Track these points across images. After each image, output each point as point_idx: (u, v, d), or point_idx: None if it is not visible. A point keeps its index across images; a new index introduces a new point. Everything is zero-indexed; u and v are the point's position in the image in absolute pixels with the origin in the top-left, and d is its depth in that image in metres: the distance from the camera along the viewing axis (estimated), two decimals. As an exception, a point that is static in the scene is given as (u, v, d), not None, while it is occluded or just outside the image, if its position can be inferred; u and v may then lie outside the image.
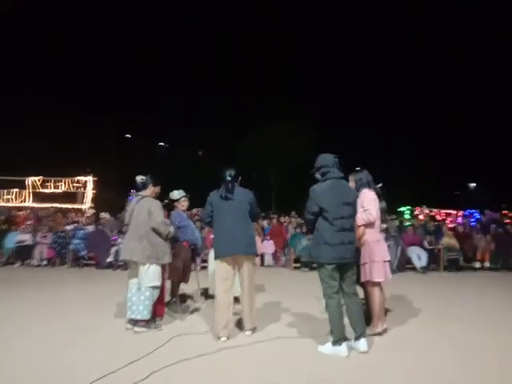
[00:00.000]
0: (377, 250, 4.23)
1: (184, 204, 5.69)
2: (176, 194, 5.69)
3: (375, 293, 4.30)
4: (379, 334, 4.25)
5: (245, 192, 4.34)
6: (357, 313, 3.84)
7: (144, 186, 4.67)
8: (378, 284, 4.31)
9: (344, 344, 3.68)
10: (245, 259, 4.17)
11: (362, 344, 3.77)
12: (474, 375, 3.30)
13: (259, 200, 4.65)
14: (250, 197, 4.32)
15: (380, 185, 4.70)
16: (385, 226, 4.40)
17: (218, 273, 4.20)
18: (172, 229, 4.60)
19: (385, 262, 4.26)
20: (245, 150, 27.45)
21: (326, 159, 3.96)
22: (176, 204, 5.68)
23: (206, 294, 6.12)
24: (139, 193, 4.69)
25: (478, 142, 28.10)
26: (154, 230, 4.39)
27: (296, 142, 26.85)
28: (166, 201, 5.62)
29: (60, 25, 30.17)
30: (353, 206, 3.86)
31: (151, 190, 4.68)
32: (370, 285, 4.32)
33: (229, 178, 4.25)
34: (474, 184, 37.40)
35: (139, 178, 4.72)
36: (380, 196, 4.48)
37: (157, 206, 4.51)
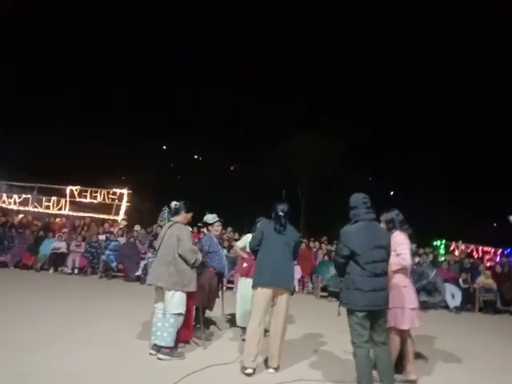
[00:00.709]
0: (406, 296, 4.06)
1: (217, 229, 5.74)
2: (210, 217, 5.73)
3: (396, 340, 4.09)
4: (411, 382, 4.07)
5: (293, 230, 4.44)
6: (386, 363, 3.69)
7: (177, 211, 4.75)
8: (404, 331, 4.11)
9: None
10: (284, 294, 4.17)
11: None
12: None
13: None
14: (296, 236, 4.48)
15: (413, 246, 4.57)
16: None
17: (255, 302, 4.17)
18: (200, 256, 4.61)
19: (411, 309, 4.08)
20: (272, 163, 27.53)
21: (356, 200, 3.87)
22: (209, 228, 5.72)
23: (231, 321, 6.07)
24: (172, 218, 4.78)
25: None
26: (181, 257, 4.42)
27: (323, 154, 26.72)
28: (200, 224, 5.68)
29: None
30: (385, 249, 3.72)
31: (183, 216, 4.74)
32: (394, 332, 4.13)
33: (281, 214, 4.32)
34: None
35: (173, 204, 4.82)
36: (411, 238, 4.32)
37: (186, 233, 4.57)
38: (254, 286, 4.20)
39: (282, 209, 4.33)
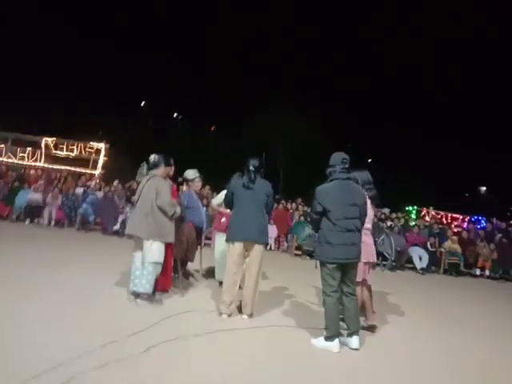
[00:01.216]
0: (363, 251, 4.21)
1: (197, 185, 5.80)
2: (191, 173, 5.77)
3: (358, 290, 4.30)
4: (371, 327, 4.41)
5: (264, 184, 4.54)
6: (353, 312, 3.94)
7: (156, 165, 4.75)
8: (360, 282, 4.32)
9: (336, 340, 3.78)
10: (255, 247, 4.35)
11: (354, 341, 3.87)
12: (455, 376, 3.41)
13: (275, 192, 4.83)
14: (268, 189, 4.54)
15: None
16: (369, 225, 4.42)
17: (229, 255, 4.44)
18: (178, 209, 4.68)
19: (366, 263, 4.29)
20: (254, 129, 27.45)
21: (334, 158, 4.00)
22: (190, 183, 5.77)
23: (209, 275, 6.27)
24: (151, 171, 4.78)
25: (492, 144, 27.66)
26: (160, 209, 4.49)
27: (305, 127, 26.83)
28: (180, 179, 5.72)
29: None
30: (360, 207, 3.87)
31: (163, 169, 4.76)
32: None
33: (252, 168, 4.44)
34: (485, 188, 37.05)
35: (152, 157, 4.81)
36: (373, 200, 4.47)
37: (165, 185, 4.61)
38: (227, 241, 4.47)
39: (253, 164, 4.46)
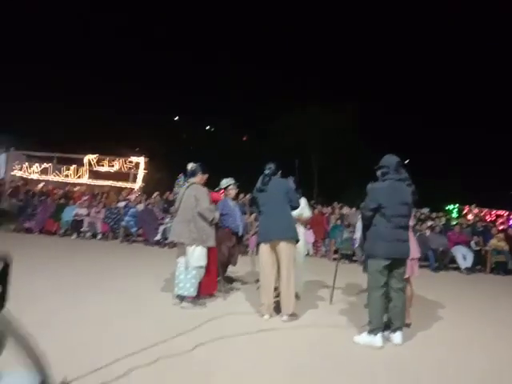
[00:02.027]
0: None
1: (231, 192, 5.97)
2: (224, 182, 6.01)
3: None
4: (406, 325, 4.33)
5: (280, 182, 4.69)
6: (400, 308, 3.99)
7: (193, 173, 4.98)
8: (406, 280, 4.33)
9: (379, 335, 3.81)
10: (282, 244, 4.40)
11: (398, 337, 3.92)
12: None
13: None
14: (284, 186, 4.65)
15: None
16: (411, 223, 4.43)
17: (260, 258, 4.57)
18: (217, 214, 4.88)
19: (411, 259, 4.29)
20: (286, 131, 27.45)
21: (389, 161, 4.12)
22: (224, 191, 5.97)
23: (249, 278, 6.43)
24: (189, 179, 5.01)
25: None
26: (200, 215, 4.69)
27: (339, 123, 26.56)
28: (217, 189, 5.95)
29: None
30: (409, 206, 3.99)
31: (200, 177, 4.97)
32: None
33: (266, 172, 4.62)
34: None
35: (190, 166, 5.04)
36: (413, 195, 4.48)
37: (203, 192, 4.82)
38: (257, 244, 4.64)
39: (268, 167, 4.63)
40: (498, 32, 27.90)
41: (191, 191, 4.81)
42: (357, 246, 5.63)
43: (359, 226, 5.19)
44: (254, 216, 10.57)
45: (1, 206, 12.00)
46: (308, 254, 11.09)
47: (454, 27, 29.21)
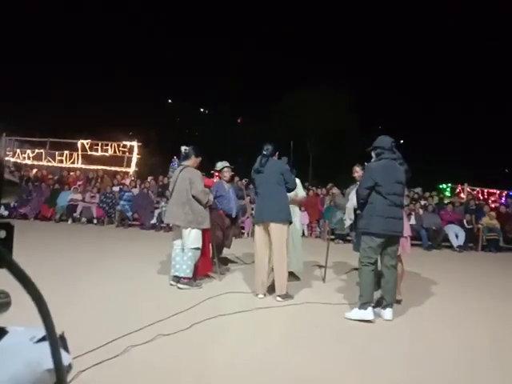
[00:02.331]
0: None
1: (226, 175, 6.00)
2: (219, 164, 6.04)
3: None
4: (397, 301, 4.44)
5: (276, 163, 4.69)
6: (391, 284, 4.11)
7: (187, 156, 5.00)
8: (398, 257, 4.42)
9: (370, 308, 3.94)
10: (274, 226, 4.45)
11: (388, 313, 4.04)
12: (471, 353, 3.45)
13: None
14: (281, 167, 4.64)
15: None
16: (404, 202, 4.52)
17: (255, 237, 4.64)
18: (211, 197, 4.92)
19: (403, 237, 4.39)
20: (281, 113, 27.36)
21: (384, 141, 4.21)
22: (219, 174, 6.00)
23: (245, 259, 6.56)
24: (183, 162, 5.03)
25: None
26: (195, 198, 4.73)
27: (333, 106, 26.48)
28: (212, 171, 5.97)
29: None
30: (403, 185, 4.10)
31: (193, 160, 4.99)
32: None
33: (264, 153, 4.63)
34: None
35: (183, 149, 5.06)
36: (407, 173, 4.57)
37: (197, 175, 4.84)
38: (253, 225, 4.68)
39: (266, 148, 4.64)
40: (488, 21, 27.66)
41: (185, 174, 4.83)
42: (346, 226, 5.71)
43: (350, 207, 5.27)
44: (248, 199, 10.65)
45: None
46: (303, 235, 11.27)
47: (444, 12, 28.91)
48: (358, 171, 5.29)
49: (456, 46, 29.39)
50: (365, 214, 4.10)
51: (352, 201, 5.17)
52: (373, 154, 4.28)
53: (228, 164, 6.14)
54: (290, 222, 4.64)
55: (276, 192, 4.54)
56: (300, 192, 5.58)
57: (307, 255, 7.34)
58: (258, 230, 4.58)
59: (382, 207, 3.94)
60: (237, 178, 11.95)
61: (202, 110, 40.50)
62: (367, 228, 4.01)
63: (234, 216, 6.06)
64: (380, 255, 4.10)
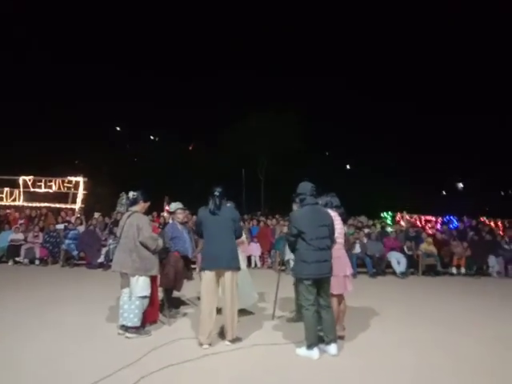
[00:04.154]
0: (336, 266, 4.51)
1: (179, 216, 6.06)
2: (173, 206, 6.13)
3: (334, 303, 4.65)
4: (339, 337, 4.65)
5: (230, 209, 4.75)
6: (330, 322, 4.36)
7: (135, 201, 5.02)
8: (339, 295, 4.72)
9: (316, 348, 4.20)
10: (228, 273, 4.47)
11: (333, 348, 4.30)
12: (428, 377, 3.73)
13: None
14: (234, 214, 4.71)
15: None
16: (342, 240, 4.84)
17: (203, 285, 4.51)
18: (160, 242, 4.94)
19: (344, 276, 4.67)
20: (231, 140, 27.73)
21: (305, 188, 4.49)
22: (172, 216, 6.06)
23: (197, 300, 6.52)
24: (130, 208, 5.04)
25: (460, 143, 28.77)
26: (143, 244, 4.74)
27: (283, 130, 27.26)
28: (162, 214, 6.01)
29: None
30: (328, 227, 4.36)
31: (141, 205, 5.03)
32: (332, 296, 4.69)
33: (217, 194, 4.61)
34: (461, 184, 38.11)
35: (131, 194, 5.09)
36: (341, 215, 4.90)
37: (145, 221, 4.86)
38: (202, 270, 4.57)
39: (217, 190, 4.63)
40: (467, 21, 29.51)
41: (133, 220, 4.83)
42: (291, 267, 6.00)
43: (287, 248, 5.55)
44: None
45: None
46: (256, 266, 11.42)
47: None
48: (295, 207, 5.50)
49: (407, 78, 31.34)
50: (295, 261, 4.42)
51: None
52: (297, 201, 4.58)
53: (181, 205, 6.21)
54: (239, 269, 4.67)
55: (230, 238, 4.55)
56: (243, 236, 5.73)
57: (258, 288, 7.52)
58: (208, 276, 4.47)
59: (306, 253, 4.21)
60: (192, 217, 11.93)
61: (151, 137, 40.14)
62: (297, 274, 4.33)
63: (190, 256, 6.10)
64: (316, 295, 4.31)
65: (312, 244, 4.19)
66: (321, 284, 4.29)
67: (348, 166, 34.86)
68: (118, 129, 37.57)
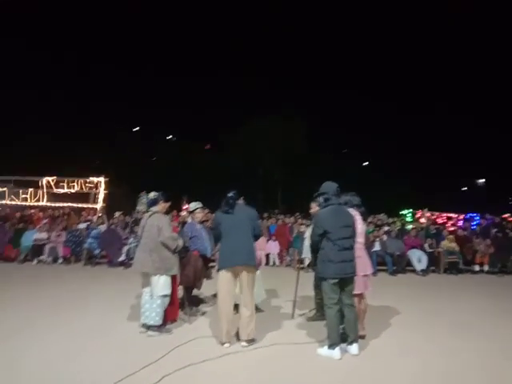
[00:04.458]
0: (357, 265, 4.48)
1: (198, 216, 6.14)
2: (192, 206, 6.20)
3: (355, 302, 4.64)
4: (361, 337, 4.64)
5: (246, 208, 4.78)
6: (352, 322, 4.36)
7: (155, 202, 5.10)
8: (359, 295, 4.70)
9: (337, 348, 4.19)
10: (246, 271, 4.46)
11: (354, 348, 4.29)
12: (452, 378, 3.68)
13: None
14: (250, 212, 4.71)
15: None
16: (362, 240, 4.81)
17: (220, 285, 4.49)
18: (181, 242, 5.00)
19: (364, 276, 4.65)
20: (248, 140, 27.88)
21: (329, 187, 4.53)
22: (192, 215, 6.14)
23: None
24: (151, 208, 5.12)
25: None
26: (163, 244, 4.81)
27: (300, 138, 27.26)
28: (182, 213, 6.08)
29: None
30: (351, 227, 4.39)
31: (162, 205, 5.09)
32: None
33: (229, 195, 4.64)
34: (483, 180, 37.25)
35: (152, 195, 5.16)
36: (363, 215, 4.87)
37: (165, 221, 4.93)
38: (218, 270, 4.54)
39: (232, 192, 4.66)
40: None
41: (153, 221, 4.91)
42: (306, 264, 6.01)
43: (307, 245, 5.56)
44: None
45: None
46: (274, 264, 11.44)
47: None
48: (313, 207, 5.59)
49: (419, 71, 30.94)
50: (319, 260, 4.39)
51: (309, 239, 5.45)
52: (321, 199, 4.56)
53: (200, 205, 6.27)
54: (257, 267, 4.68)
55: (247, 236, 4.52)
56: None
57: (277, 286, 7.56)
58: (225, 275, 4.45)
59: (333, 253, 4.22)
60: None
61: (168, 137, 40.54)
62: (322, 273, 4.32)
63: (209, 256, 6.17)
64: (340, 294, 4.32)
65: (338, 244, 4.22)
66: (345, 283, 4.31)
67: (366, 163, 34.53)
68: (137, 128, 38.08)
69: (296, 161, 28.09)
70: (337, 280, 4.22)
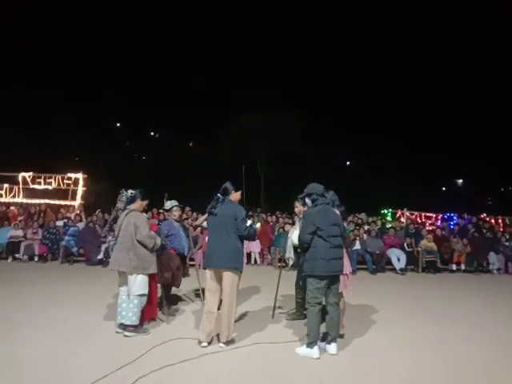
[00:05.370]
0: None
1: (175, 214, 6.07)
2: (168, 204, 6.12)
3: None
4: (340, 336, 4.64)
5: (230, 207, 4.47)
6: (336, 321, 4.38)
7: (133, 199, 4.98)
8: (338, 294, 4.65)
9: (316, 347, 4.18)
10: (224, 273, 4.37)
11: (333, 348, 4.31)
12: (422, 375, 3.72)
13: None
14: (233, 211, 4.40)
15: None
16: None
17: (206, 282, 4.51)
18: (158, 240, 4.90)
19: (344, 274, 4.63)
20: (231, 138, 27.76)
21: (316, 188, 4.52)
22: (168, 213, 6.05)
23: (196, 297, 6.61)
24: (128, 206, 5.01)
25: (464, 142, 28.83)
26: (140, 243, 4.71)
27: (282, 129, 27.28)
28: (161, 210, 5.99)
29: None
30: (339, 226, 4.40)
31: (139, 203, 4.98)
32: None
33: (218, 195, 4.55)
34: (461, 180, 38.14)
35: (129, 192, 5.04)
36: (342, 214, 4.88)
37: (143, 220, 4.82)
38: (205, 268, 4.55)
39: (223, 188, 4.57)
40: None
41: (130, 218, 4.79)
42: (290, 265, 5.99)
43: (290, 245, 5.56)
44: (199, 230, 10.66)
45: None
46: (255, 263, 11.40)
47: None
48: (298, 206, 5.58)
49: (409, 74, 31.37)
50: (309, 258, 4.33)
51: (291, 239, 5.44)
52: (307, 200, 4.55)
53: (177, 203, 6.20)
54: (241, 271, 4.47)
55: (226, 237, 4.36)
56: None
57: (258, 285, 7.55)
58: (209, 274, 4.45)
59: (324, 250, 4.21)
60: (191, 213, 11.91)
61: (152, 133, 40.15)
62: (312, 271, 4.26)
63: (186, 254, 6.09)
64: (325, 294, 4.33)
65: (329, 241, 4.23)
66: (334, 281, 4.32)
67: (348, 163, 34.95)
68: (118, 124, 37.58)
69: (281, 159, 28.08)
70: (327, 279, 4.21)
